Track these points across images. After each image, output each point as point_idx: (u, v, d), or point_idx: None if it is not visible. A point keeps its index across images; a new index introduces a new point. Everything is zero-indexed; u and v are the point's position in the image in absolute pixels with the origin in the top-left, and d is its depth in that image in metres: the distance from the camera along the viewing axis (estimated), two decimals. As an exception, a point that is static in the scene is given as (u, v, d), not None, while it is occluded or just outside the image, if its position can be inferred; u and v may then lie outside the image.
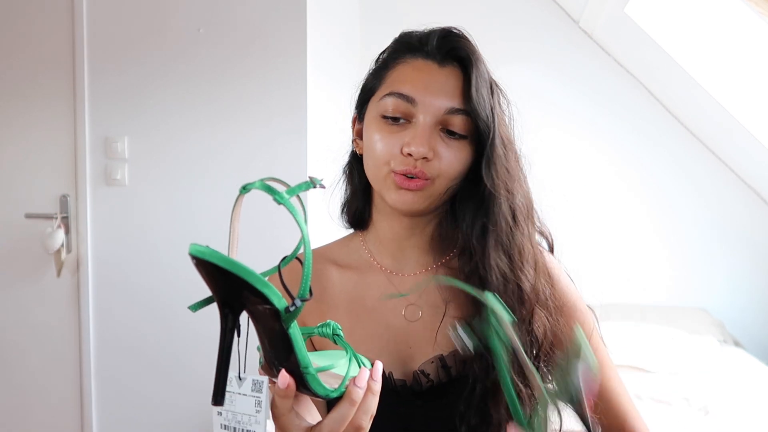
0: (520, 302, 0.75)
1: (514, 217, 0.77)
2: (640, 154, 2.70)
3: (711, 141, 2.64)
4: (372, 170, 0.78)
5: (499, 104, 0.79)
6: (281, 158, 2.00)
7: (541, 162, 0.87)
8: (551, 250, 0.84)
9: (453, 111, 0.74)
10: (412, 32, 0.80)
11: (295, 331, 0.53)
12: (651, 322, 2.39)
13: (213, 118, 2.05)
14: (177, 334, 2.10)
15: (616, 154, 2.72)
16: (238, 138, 2.04)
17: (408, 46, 0.78)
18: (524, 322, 0.74)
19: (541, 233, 0.83)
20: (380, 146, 0.75)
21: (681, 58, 2.27)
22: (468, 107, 0.74)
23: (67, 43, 2.11)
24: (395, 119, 0.75)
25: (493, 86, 0.78)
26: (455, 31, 0.78)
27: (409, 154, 0.73)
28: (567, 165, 2.67)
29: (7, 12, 2.17)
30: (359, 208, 0.85)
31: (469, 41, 0.77)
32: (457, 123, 0.74)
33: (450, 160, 0.74)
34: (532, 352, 0.75)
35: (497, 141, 0.75)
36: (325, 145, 2.06)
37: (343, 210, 0.88)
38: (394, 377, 0.77)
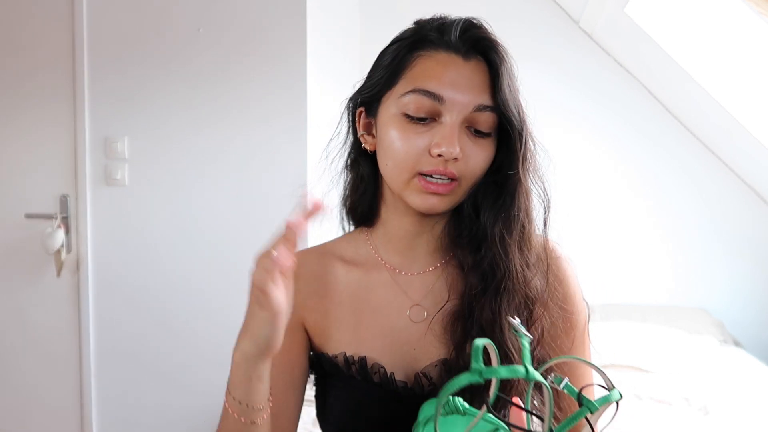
0: (525, 300, 0.73)
1: (528, 212, 0.76)
2: (640, 154, 2.69)
3: (711, 141, 2.64)
4: (393, 171, 0.74)
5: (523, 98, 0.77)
6: (281, 158, 2.00)
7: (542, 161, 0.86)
8: (545, 220, 0.80)
9: (481, 108, 0.71)
10: (428, 21, 0.76)
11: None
12: (651, 322, 2.38)
13: (213, 117, 2.05)
14: (177, 334, 2.10)
15: (616, 154, 2.71)
16: (238, 137, 2.04)
17: (426, 38, 0.74)
18: (524, 322, 0.72)
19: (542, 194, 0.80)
20: (405, 147, 0.72)
21: (681, 58, 2.27)
22: (496, 104, 0.72)
23: (67, 43, 2.11)
24: (421, 119, 0.72)
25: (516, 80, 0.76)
26: (475, 22, 0.75)
27: (440, 155, 0.70)
28: (567, 165, 2.67)
29: (7, 12, 2.17)
30: (366, 205, 0.83)
31: (491, 33, 0.75)
32: (484, 120, 0.72)
33: (477, 160, 0.72)
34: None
35: (527, 137, 0.73)
36: (325, 153, 2.06)
37: (345, 207, 0.86)
38: (396, 378, 0.76)
